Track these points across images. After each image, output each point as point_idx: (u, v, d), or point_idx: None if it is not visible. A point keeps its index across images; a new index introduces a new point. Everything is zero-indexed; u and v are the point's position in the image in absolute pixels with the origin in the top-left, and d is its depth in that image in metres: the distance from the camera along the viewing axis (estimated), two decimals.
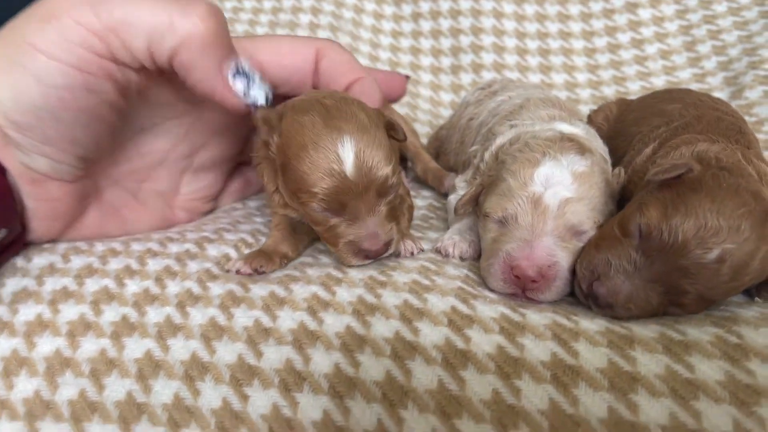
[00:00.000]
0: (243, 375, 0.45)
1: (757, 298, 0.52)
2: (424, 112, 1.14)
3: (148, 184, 0.66)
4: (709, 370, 0.42)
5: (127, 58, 0.51)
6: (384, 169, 0.53)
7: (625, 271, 0.50)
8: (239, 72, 0.54)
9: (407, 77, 0.71)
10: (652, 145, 0.62)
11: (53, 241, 0.60)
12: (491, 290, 0.55)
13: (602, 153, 0.64)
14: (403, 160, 0.90)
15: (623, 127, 0.74)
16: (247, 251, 0.61)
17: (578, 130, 0.64)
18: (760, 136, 0.87)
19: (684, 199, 0.49)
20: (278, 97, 0.62)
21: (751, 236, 0.47)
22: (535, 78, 1.15)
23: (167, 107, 0.62)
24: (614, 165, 0.65)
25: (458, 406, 0.41)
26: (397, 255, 0.59)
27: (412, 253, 0.59)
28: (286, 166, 0.54)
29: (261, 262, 0.55)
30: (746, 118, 0.89)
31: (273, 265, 0.56)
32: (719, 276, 0.47)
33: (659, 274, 0.49)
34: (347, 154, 0.51)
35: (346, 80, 0.62)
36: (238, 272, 0.54)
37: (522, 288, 0.53)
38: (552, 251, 0.54)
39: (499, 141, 0.65)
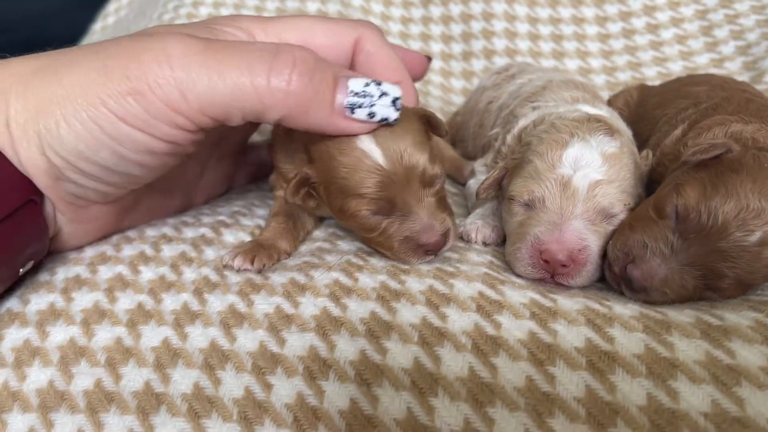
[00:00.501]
0: (265, 363, 0.44)
1: None
2: (435, 99, 1.12)
3: (177, 180, 0.65)
4: (751, 355, 0.40)
5: (215, 125, 0.49)
6: (418, 156, 0.52)
7: (662, 253, 0.48)
8: (354, 97, 0.48)
9: (429, 58, 0.69)
10: (681, 126, 0.60)
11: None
12: (518, 276, 0.54)
13: (629, 135, 0.63)
14: None
15: (645, 111, 0.73)
16: None
17: (602, 112, 0.63)
18: None
19: (724, 180, 0.47)
20: None
21: None
22: (548, 64, 1.13)
23: None
24: (638, 149, 0.64)
25: (491, 394, 0.40)
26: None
27: None
28: (328, 185, 0.53)
29: (264, 260, 0.53)
30: None
31: (272, 261, 0.54)
32: (760, 259, 0.46)
33: (697, 257, 0.47)
34: (370, 146, 0.50)
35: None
36: (239, 271, 0.52)
37: (551, 273, 0.52)
38: (582, 234, 0.52)
39: (522, 123, 0.64)
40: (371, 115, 0.48)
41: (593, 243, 0.53)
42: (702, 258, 0.47)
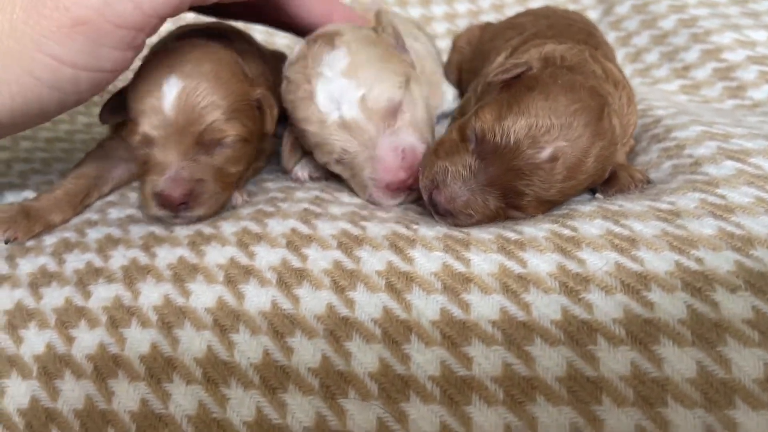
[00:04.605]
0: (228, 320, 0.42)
1: (598, 195, 0.52)
2: None
3: None
4: (542, 263, 0.42)
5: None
6: (210, 117, 0.50)
7: (462, 176, 0.48)
8: None
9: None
10: (504, 53, 0.61)
11: None
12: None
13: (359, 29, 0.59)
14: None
15: (482, 45, 0.73)
16: None
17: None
18: (629, 49, 0.88)
19: (518, 99, 0.47)
20: None
21: (585, 133, 0.46)
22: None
23: None
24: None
25: (291, 326, 0.40)
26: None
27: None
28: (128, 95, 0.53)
29: (17, 232, 0.50)
30: (614, 33, 0.90)
31: (30, 234, 0.51)
32: (553, 175, 0.46)
33: (495, 178, 0.47)
34: (170, 92, 0.49)
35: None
36: None
37: (408, 188, 0.53)
38: (394, 145, 0.52)
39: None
40: None
41: (408, 139, 0.53)
42: (500, 178, 0.47)
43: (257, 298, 0.42)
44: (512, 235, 0.45)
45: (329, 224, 0.48)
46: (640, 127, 0.62)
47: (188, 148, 0.50)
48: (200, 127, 0.50)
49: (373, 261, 0.43)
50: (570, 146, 0.46)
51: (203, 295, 0.42)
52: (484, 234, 0.45)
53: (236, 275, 0.43)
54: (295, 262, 0.44)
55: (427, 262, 0.43)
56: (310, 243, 0.45)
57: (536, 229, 0.45)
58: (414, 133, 0.54)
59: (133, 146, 0.52)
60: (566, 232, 0.44)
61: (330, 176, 0.59)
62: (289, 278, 0.42)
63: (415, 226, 0.47)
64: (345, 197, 0.57)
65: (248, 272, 0.43)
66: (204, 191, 0.50)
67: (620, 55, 0.87)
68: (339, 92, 0.52)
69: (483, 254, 0.43)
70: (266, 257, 0.44)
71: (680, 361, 0.36)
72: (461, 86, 0.79)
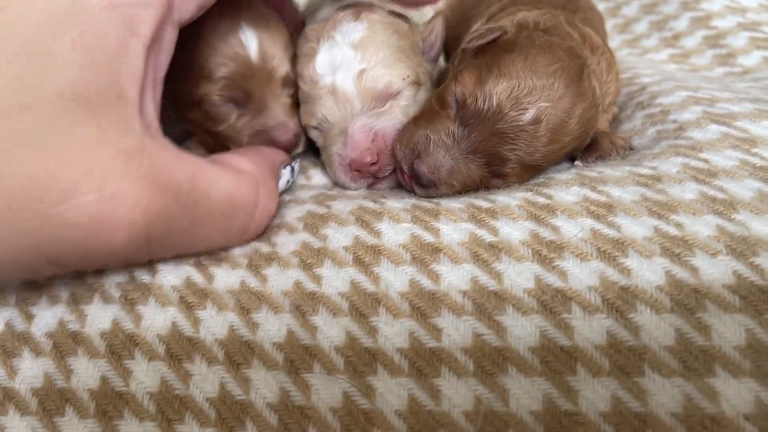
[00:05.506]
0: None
1: (577, 162, 0.51)
2: None
3: None
4: (514, 231, 0.40)
5: None
6: (285, 60, 0.52)
7: (445, 144, 0.46)
8: None
9: None
10: (480, 20, 0.59)
11: None
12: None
13: (395, 9, 0.59)
14: None
15: (464, 11, 0.71)
16: None
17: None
18: (617, 20, 0.86)
19: (498, 62, 0.45)
20: None
21: (567, 94, 0.44)
22: None
23: None
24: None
25: (258, 302, 0.39)
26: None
27: None
28: (181, 64, 0.49)
29: None
30: (603, 4, 0.88)
31: None
32: (537, 138, 0.44)
33: (478, 144, 0.45)
34: (250, 40, 0.49)
35: None
36: None
37: (372, 175, 0.51)
38: (369, 126, 0.51)
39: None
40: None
41: (386, 123, 0.51)
42: (483, 143, 0.45)
43: (226, 278, 0.40)
44: (484, 204, 0.43)
45: (296, 209, 0.46)
46: (625, 96, 0.60)
47: (281, 93, 0.52)
48: (283, 70, 0.52)
49: (339, 237, 0.42)
50: (553, 107, 0.44)
51: (170, 274, 0.41)
52: (455, 203, 0.44)
53: (206, 259, 0.42)
54: (264, 248, 0.42)
55: (394, 234, 0.41)
56: (278, 231, 0.44)
57: (509, 198, 0.43)
58: (397, 118, 0.52)
59: (209, 106, 0.51)
60: (540, 199, 0.42)
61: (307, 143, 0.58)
62: (258, 260, 0.41)
63: (382, 200, 0.46)
64: (316, 177, 0.56)
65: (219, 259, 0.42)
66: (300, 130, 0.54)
67: (609, 26, 0.85)
68: (340, 60, 0.51)
69: (453, 224, 0.41)
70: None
71: (658, 329, 0.35)
72: (447, 54, 0.76)
